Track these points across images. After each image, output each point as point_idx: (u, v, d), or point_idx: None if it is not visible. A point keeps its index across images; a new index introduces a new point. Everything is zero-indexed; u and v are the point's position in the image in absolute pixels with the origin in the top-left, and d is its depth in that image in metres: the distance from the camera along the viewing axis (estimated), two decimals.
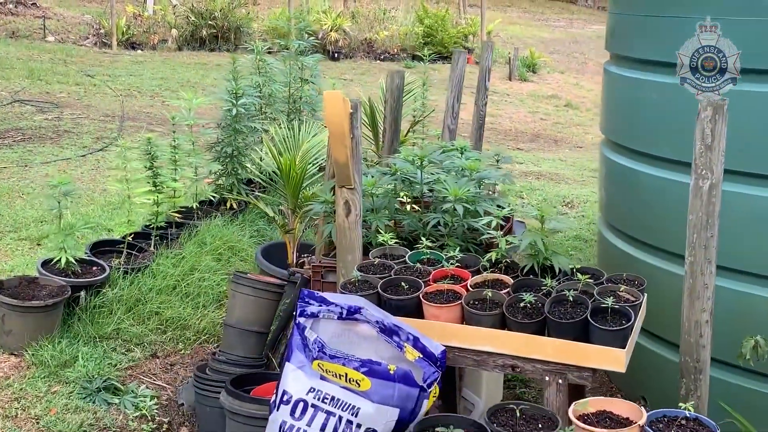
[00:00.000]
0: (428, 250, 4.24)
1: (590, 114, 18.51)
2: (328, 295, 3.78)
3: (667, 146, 5.37)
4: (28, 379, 4.85)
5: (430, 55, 21.62)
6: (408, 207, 4.86)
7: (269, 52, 20.57)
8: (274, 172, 6.17)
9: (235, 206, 7.24)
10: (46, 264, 5.54)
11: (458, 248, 4.36)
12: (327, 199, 4.68)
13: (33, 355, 5.01)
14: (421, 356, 3.58)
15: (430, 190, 4.83)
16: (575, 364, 3.60)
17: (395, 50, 21.93)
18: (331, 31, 20.87)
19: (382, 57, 21.64)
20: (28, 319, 5.06)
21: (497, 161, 5.82)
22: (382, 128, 7.25)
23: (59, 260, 5.42)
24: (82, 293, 5.45)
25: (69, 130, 11.67)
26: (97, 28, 20.04)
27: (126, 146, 5.94)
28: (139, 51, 19.48)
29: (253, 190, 7.52)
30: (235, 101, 7.04)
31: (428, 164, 4.80)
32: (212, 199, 6.99)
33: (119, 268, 5.75)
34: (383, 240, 4.25)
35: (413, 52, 21.95)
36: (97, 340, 5.33)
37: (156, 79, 16.16)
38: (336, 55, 20.90)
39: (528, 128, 15.96)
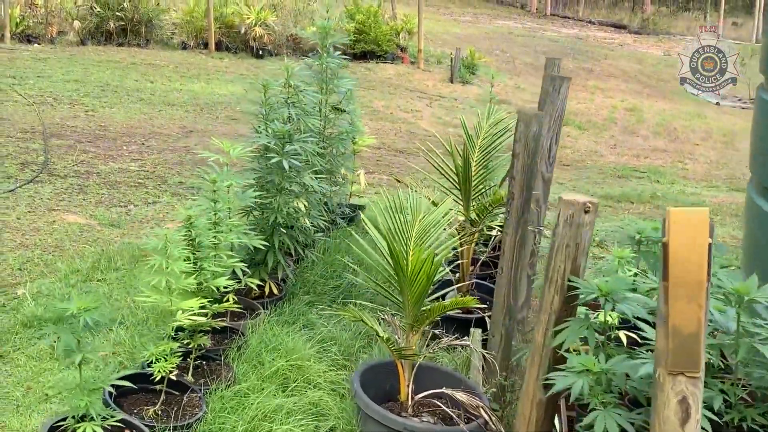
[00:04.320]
0: None
1: None
2: None
3: None
4: None
5: (361, 53, 20.02)
6: None
7: (184, 48, 18.42)
8: (377, 264, 4.18)
9: (276, 291, 5.25)
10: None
11: None
12: (590, 366, 2.78)
13: None
14: None
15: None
16: None
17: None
18: (255, 26, 18.72)
19: (310, 54, 19.48)
20: None
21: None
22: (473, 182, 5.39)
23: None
24: None
25: None
26: None
27: (169, 238, 3.85)
28: (36, 45, 16.90)
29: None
30: (281, 148, 5.02)
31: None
32: (250, 284, 4.97)
33: (165, 429, 3.71)
34: None
35: (344, 50, 19.99)
36: None
37: (69, 81, 13.73)
38: (260, 52, 18.79)
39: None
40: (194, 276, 4.00)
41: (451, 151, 5.55)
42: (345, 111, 6.42)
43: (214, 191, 4.40)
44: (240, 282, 4.73)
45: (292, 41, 19.66)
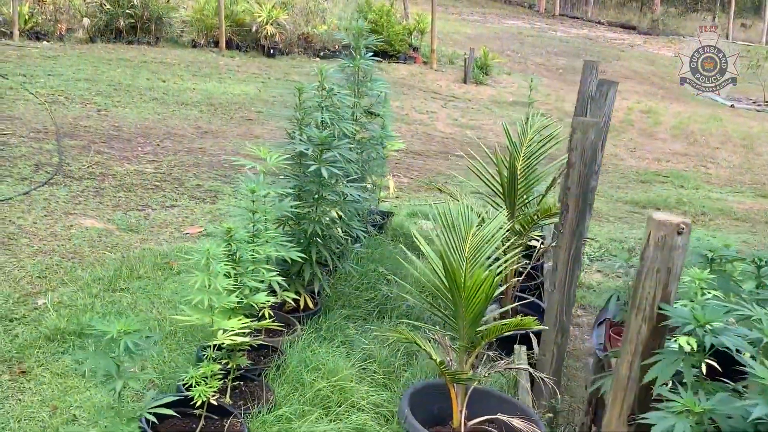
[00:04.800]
0: None
1: (565, 125, 16.71)
2: None
3: None
4: None
5: (373, 53, 19.69)
6: None
7: (194, 46, 18.14)
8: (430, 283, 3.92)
9: (311, 305, 5.00)
10: None
11: None
12: (691, 406, 2.52)
13: None
14: None
15: None
16: None
17: (336, 47, 19.69)
18: (266, 24, 18.45)
19: (321, 54, 19.38)
20: None
21: None
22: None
23: None
24: None
25: None
26: None
27: (212, 253, 3.59)
28: (46, 42, 16.64)
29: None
30: (319, 155, 4.76)
31: None
32: (286, 298, 4.71)
33: None
34: None
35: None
36: None
37: (80, 80, 13.48)
38: (272, 50, 18.53)
39: None
40: (236, 293, 3.74)
41: (497, 161, 5.28)
42: (378, 115, 6.16)
43: (253, 201, 4.15)
44: (276, 296, 4.48)
45: (303, 40, 19.41)
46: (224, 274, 3.72)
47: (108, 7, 17.47)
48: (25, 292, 5.70)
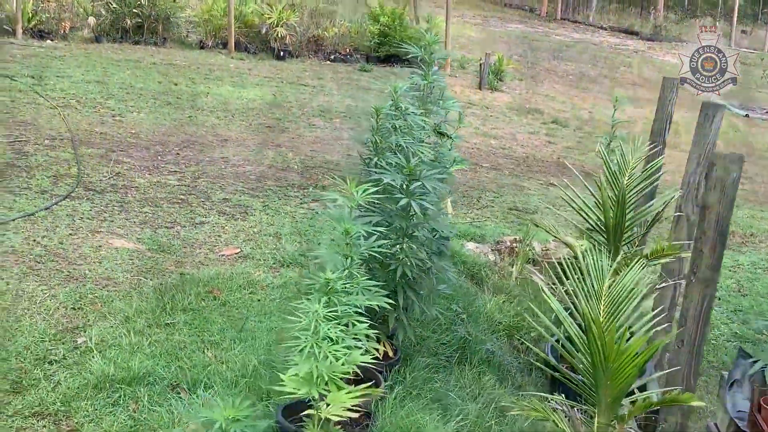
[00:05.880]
0: None
1: (582, 134, 16.20)
2: None
3: None
4: None
5: (386, 57, 19.15)
6: None
7: (201, 47, 17.55)
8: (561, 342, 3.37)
9: (390, 353, 4.45)
10: None
11: None
12: None
13: None
14: None
15: None
16: None
17: (347, 50, 19.17)
18: (277, 26, 17.88)
19: (332, 57, 18.84)
20: None
21: None
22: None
23: None
24: None
25: (12, 162, 8.47)
26: None
27: (321, 314, 3.03)
28: (50, 41, 16.04)
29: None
30: (407, 186, 4.20)
31: None
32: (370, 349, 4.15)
33: None
34: None
35: (368, 54, 19.17)
36: None
37: (90, 82, 12.88)
38: (281, 53, 17.96)
39: (544, 155, 13.54)
40: (342, 361, 3.18)
41: (601, 194, 4.74)
42: (449, 136, 5.61)
43: (347, 244, 3.59)
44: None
45: (313, 43, 18.87)
46: (330, 338, 3.16)
47: (114, 5, 16.86)
48: (61, 327, 5.14)
